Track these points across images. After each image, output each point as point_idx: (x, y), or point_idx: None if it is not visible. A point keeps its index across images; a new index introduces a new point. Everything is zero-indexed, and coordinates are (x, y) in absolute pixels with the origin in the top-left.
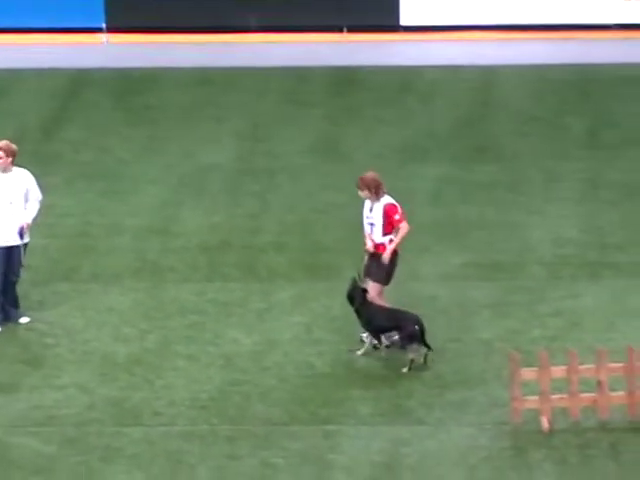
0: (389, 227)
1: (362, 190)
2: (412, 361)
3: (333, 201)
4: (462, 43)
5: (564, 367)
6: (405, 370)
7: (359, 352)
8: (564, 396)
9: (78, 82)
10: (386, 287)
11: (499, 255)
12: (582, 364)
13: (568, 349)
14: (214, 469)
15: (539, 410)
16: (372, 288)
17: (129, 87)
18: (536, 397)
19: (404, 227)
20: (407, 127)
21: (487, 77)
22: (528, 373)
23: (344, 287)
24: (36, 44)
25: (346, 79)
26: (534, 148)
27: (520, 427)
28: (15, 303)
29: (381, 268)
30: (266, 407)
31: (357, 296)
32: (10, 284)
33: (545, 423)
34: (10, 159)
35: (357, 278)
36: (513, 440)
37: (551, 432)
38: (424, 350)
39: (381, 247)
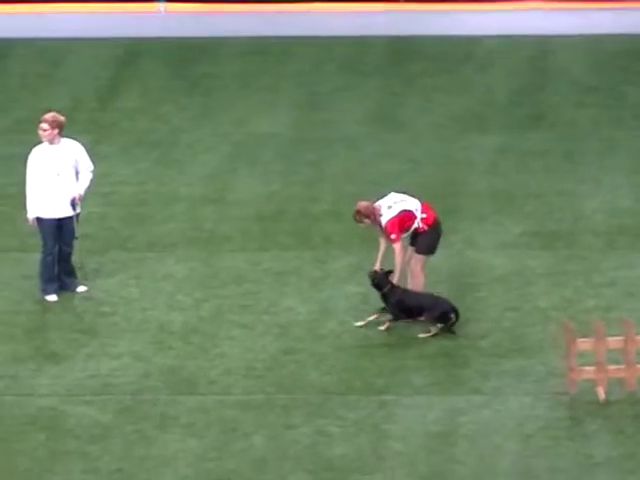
0: (399, 234)
1: (362, 221)
2: (433, 334)
3: (390, 170)
4: (519, 13)
5: (621, 338)
6: (422, 335)
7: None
8: (620, 367)
9: (134, 51)
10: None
11: (555, 224)
12: (638, 334)
13: (624, 319)
14: (269, 438)
15: (595, 380)
16: (416, 260)
17: (185, 56)
18: (592, 367)
19: (397, 252)
20: (465, 96)
21: (545, 46)
22: (584, 344)
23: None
24: (92, 13)
25: (404, 49)
26: (591, 117)
27: (577, 397)
28: (71, 273)
29: (424, 239)
30: (321, 376)
31: (382, 281)
32: (65, 255)
33: (601, 393)
34: (56, 131)
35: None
36: (569, 410)
37: (607, 402)
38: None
39: (419, 228)
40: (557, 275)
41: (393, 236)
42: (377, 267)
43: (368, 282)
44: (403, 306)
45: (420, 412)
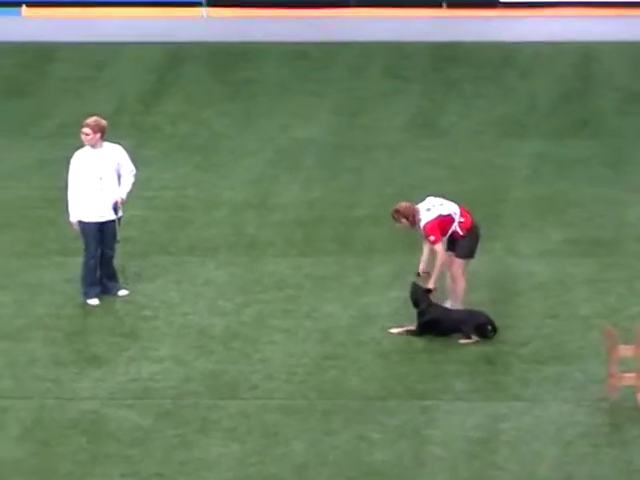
0: (439, 236)
1: (399, 221)
2: (474, 341)
3: (430, 176)
4: (561, 19)
5: None
6: (463, 341)
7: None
8: None
9: (177, 56)
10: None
11: (597, 231)
12: None
13: None
14: (310, 443)
15: (636, 387)
16: (456, 264)
17: (228, 61)
18: (633, 374)
19: (439, 254)
20: (506, 103)
21: (587, 53)
22: (626, 350)
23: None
24: (136, 17)
25: (445, 54)
26: (635, 124)
27: (617, 404)
28: (113, 276)
29: (463, 243)
30: (362, 382)
31: (421, 298)
32: (107, 258)
33: None
34: (99, 135)
35: (416, 282)
36: (610, 417)
37: None
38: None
39: (457, 233)
40: (599, 282)
41: (432, 238)
42: (422, 268)
43: (408, 291)
44: (437, 326)
45: (461, 418)
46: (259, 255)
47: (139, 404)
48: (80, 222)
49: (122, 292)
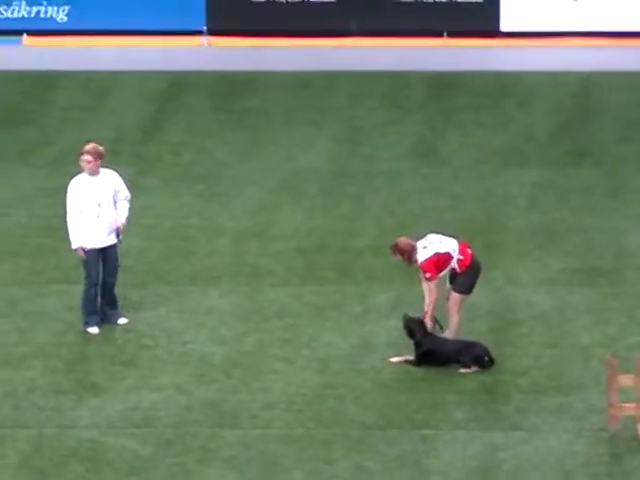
0: (434, 274)
1: (395, 255)
2: (474, 371)
3: (431, 205)
4: (562, 49)
5: None
6: (463, 371)
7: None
8: None
9: (178, 84)
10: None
11: (597, 261)
12: None
13: None
14: (309, 473)
15: (637, 417)
16: (453, 299)
17: (229, 90)
18: (634, 404)
19: (432, 291)
20: (506, 132)
21: (587, 83)
22: (626, 379)
23: (443, 291)
24: (137, 46)
25: (445, 83)
26: (633, 154)
27: (617, 434)
28: (114, 304)
29: (462, 279)
30: (361, 411)
31: (416, 328)
32: (109, 286)
33: None
34: (99, 162)
35: (406, 314)
36: (610, 447)
37: None
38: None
39: (456, 269)
40: (599, 312)
41: (428, 275)
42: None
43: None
44: (434, 356)
45: (460, 447)
46: (260, 284)
47: (139, 433)
48: (82, 248)
49: (122, 320)
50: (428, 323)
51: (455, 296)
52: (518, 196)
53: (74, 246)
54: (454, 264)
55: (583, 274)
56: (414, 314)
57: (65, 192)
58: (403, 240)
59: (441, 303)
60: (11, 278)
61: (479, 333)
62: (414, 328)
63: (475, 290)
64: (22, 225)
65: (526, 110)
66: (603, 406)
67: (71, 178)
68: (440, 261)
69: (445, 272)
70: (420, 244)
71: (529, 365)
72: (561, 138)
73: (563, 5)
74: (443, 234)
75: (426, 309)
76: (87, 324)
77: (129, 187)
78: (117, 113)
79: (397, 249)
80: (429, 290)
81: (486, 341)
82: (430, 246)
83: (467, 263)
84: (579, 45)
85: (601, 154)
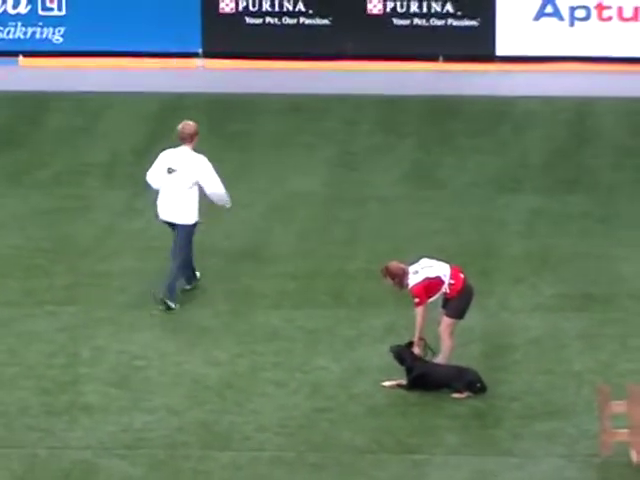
0: (423, 299)
1: (386, 279)
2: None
3: (425, 229)
4: (557, 74)
5: None
6: (455, 396)
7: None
8: None
9: (172, 107)
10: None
11: (591, 287)
12: None
13: None
14: None
15: (629, 443)
16: (444, 323)
17: (223, 113)
18: (625, 430)
19: (418, 316)
20: (501, 157)
21: (582, 109)
22: (618, 406)
23: (435, 315)
24: (131, 68)
25: (441, 108)
26: (627, 180)
27: (609, 460)
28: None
29: (454, 304)
30: (353, 435)
31: (406, 354)
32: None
33: (635, 456)
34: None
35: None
36: (602, 473)
37: None
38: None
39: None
40: (592, 338)
41: (417, 300)
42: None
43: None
44: (425, 380)
45: (452, 472)
46: (253, 306)
47: (131, 454)
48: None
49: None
50: (416, 349)
51: (447, 320)
52: (513, 222)
53: (196, 220)
54: (445, 289)
55: (577, 300)
56: (407, 338)
57: (58, 214)
58: (394, 264)
59: (434, 328)
60: (2, 298)
61: (473, 358)
62: (403, 355)
63: (469, 315)
64: (14, 246)
65: (521, 135)
66: (595, 432)
67: (64, 200)
68: (430, 286)
69: (436, 297)
70: (412, 268)
71: (522, 390)
72: (556, 164)
73: (559, 30)
74: (436, 259)
75: (415, 335)
76: (174, 300)
77: (124, 209)
78: (111, 135)
79: (388, 273)
80: (416, 315)
81: (479, 366)
82: (421, 271)
83: (458, 288)
84: (574, 70)
85: (595, 181)
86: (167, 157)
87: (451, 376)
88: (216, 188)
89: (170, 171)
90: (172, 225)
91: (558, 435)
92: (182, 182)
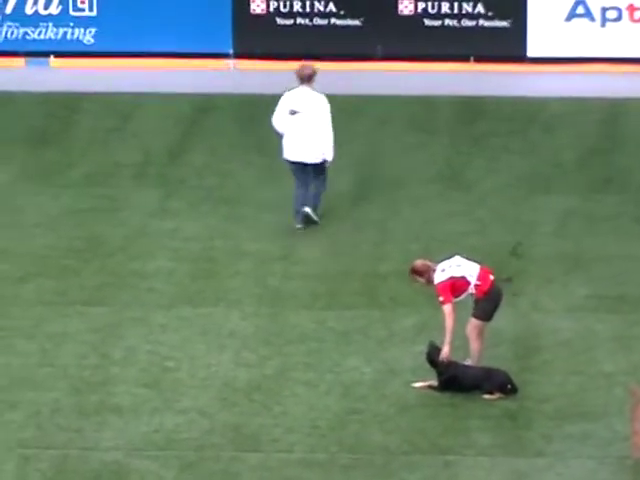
0: (447, 297)
1: (416, 279)
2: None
3: (457, 229)
4: (589, 75)
5: None
6: (486, 397)
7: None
8: None
9: (204, 107)
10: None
11: (623, 288)
12: None
13: None
14: None
15: None
16: (471, 324)
17: (254, 113)
18: None
19: (447, 316)
20: (532, 158)
21: (614, 110)
22: None
23: (467, 315)
24: (162, 69)
25: (472, 108)
26: None
27: None
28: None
29: (481, 305)
30: (385, 436)
31: (437, 358)
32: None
33: None
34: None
35: (432, 341)
36: (634, 475)
37: None
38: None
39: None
40: (624, 339)
41: (441, 298)
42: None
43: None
44: (456, 383)
45: (484, 473)
46: (283, 308)
47: (161, 455)
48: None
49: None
50: (446, 351)
51: (473, 322)
52: (544, 222)
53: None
54: (472, 289)
55: (609, 301)
56: (438, 339)
57: (90, 214)
58: (419, 262)
59: (463, 329)
60: (35, 299)
61: (504, 359)
62: (435, 358)
63: (500, 316)
64: (47, 246)
65: (553, 136)
66: (627, 434)
67: (96, 200)
68: (455, 285)
69: (463, 297)
70: (440, 266)
71: (553, 392)
72: (588, 164)
73: (590, 31)
74: (469, 258)
75: (445, 336)
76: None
77: (156, 210)
78: (142, 135)
79: (414, 271)
80: (445, 315)
81: (511, 367)
82: (448, 269)
83: (485, 289)
84: (606, 71)
85: (628, 181)
86: (289, 99)
87: (482, 378)
88: (329, 134)
89: (293, 112)
90: (302, 164)
91: (590, 437)
92: (306, 123)
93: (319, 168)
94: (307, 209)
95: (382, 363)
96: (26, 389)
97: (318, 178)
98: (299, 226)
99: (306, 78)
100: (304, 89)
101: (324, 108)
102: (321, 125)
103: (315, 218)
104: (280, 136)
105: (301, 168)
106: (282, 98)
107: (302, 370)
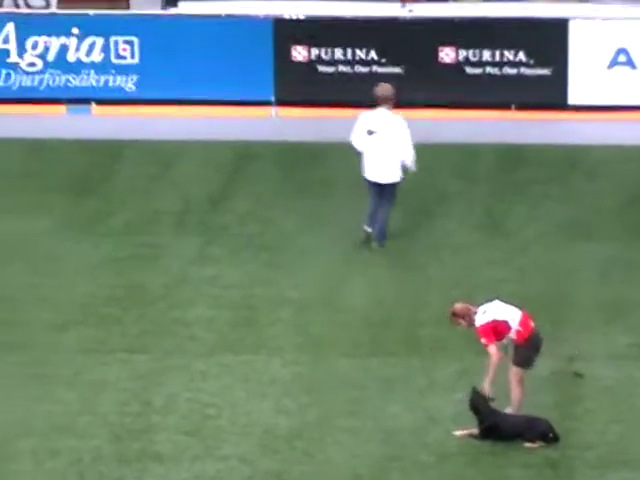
0: (490, 339)
1: (459, 322)
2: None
3: (498, 277)
4: (630, 123)
5: None
6: (528, 445)
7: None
8: None
9: (245, 154)
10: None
11: None
12: None
13: None
14: None
15: None
16: (512, 372)
17: (295, 160)
18: None
19: (492, 355)
20: (573, 205)
21: None
22: None
23: (507, 361)
24: (203, 116)
25: (513, 156)
26: None
27: None
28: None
29: (521, 352)
30: None
31: (480, 405)
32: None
33: None
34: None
35: (476, 388)
36: None
37: None
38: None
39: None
40: None
41: (484, 340)
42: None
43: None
44: (497, 431)
45: None
46: (324, 355)
47: None
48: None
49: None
50: (486, 387)
51: (514, 369)
52: (585, 269)
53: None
54: (513, 334)
55: None
56: (480, 385)
57: (130, 262)
58: (459, 305)
59: (505, 374)
60: (75, 347)
61: (545, 406)
62: (478, 405)
63: (540, 363)
64: (87, 294)
65: (593, 183)
66: None
67: (136, 248)
68: (498, 328)
69: (504, 342)
70: (481, 309)
71: (595, 440)
72: (629, 212)
73: (631, 79)
74: (509, 303)
75: (488, 374)
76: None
77: (197, 257)
78: (183, 183)
79: (455, 315)
80: (490, 354)
81: (551, 415)
82: (489, 312)
83: (525, 336)
84: None
85: None
86: (366, 119)
87: (523, 426)
88: (410, 151)
89: (370, 133)
90: (378, 184)
91: None
92: (383, 143)
93: (391, 189)
94: (374, 241)
95: (423, 411)
96: (67, 437)
97: (387, 198)
98: (374, 244)
99: (383, 99)
100: (381, 110)
101: (401, 128)
102: (397, 146)
103: (382, 244)
104: (359, 154)
105: (377, 188)
106: (359, 117)
107: (343, 417)
